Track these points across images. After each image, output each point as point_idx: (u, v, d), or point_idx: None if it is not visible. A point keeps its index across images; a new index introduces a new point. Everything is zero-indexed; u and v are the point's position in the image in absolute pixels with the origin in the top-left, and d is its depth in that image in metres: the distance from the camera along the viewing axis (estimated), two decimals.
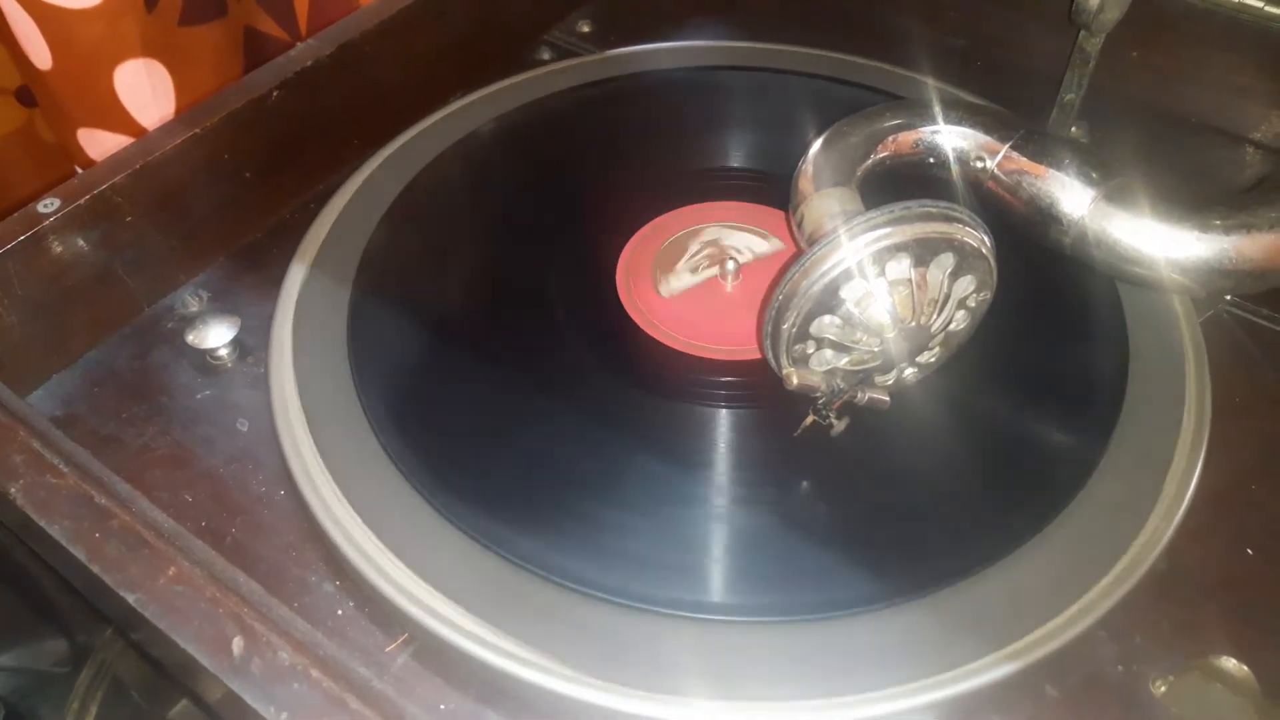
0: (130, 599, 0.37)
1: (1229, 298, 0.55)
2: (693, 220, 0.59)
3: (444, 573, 0.42)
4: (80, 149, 0.78)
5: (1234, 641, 0.41)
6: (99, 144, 0.77)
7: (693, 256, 0.56)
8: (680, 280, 0.55)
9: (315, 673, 0.36)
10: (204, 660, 0.35)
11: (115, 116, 0.76)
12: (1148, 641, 0.42)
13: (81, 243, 0.51)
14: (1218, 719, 0.40)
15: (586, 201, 0.60)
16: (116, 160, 0.52)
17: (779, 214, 0.59)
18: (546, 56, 0.74)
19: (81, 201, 0.50)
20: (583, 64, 0.70)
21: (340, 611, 0.43)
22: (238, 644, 0.36)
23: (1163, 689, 0.40)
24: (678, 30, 0.74)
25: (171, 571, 0.38)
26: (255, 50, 0.82)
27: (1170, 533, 0.43)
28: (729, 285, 0.55)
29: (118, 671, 0.66)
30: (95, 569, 0.38)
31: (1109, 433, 0.46)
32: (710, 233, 0.58)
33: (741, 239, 0.58)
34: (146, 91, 0.75)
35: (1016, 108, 0.55)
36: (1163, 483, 0.45)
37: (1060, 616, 0.40)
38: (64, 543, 0.39)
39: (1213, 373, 0.50)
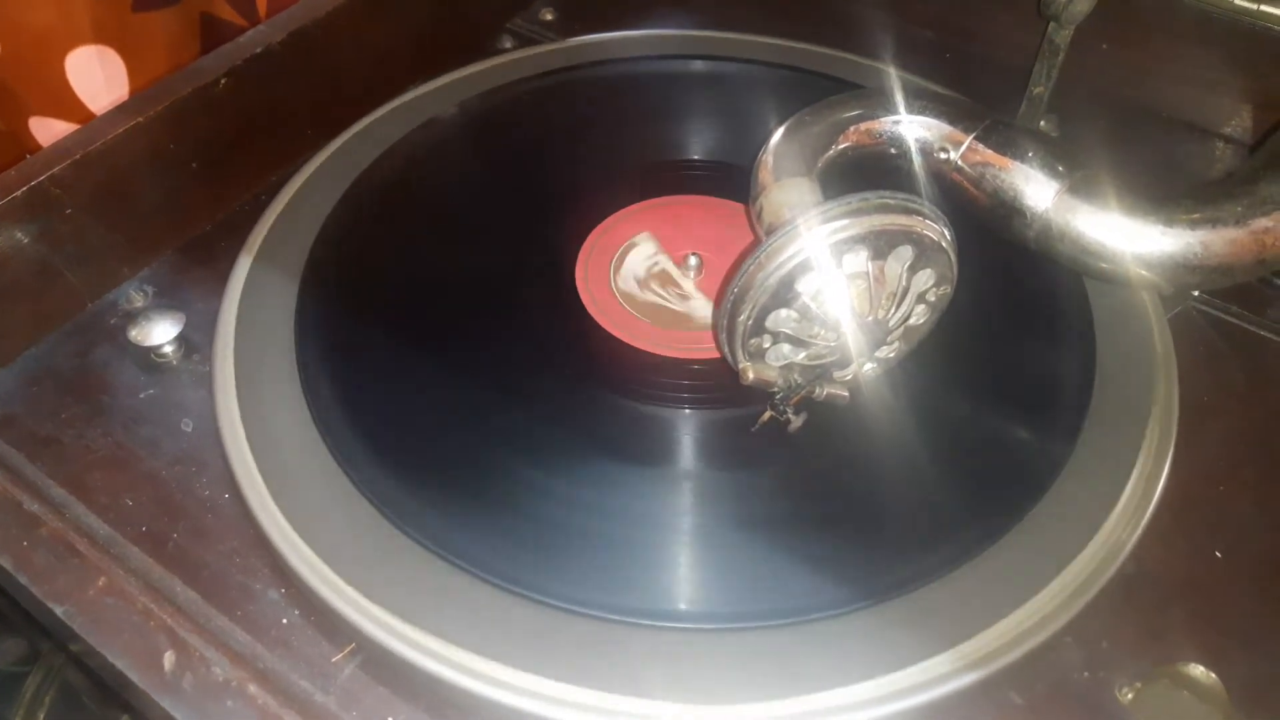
0: (58, 611, 0.36)
1: (1197, 294, 0.55)
2: (654, 214, 0.58)
3: (393, 580, 0.40)
4: (32, 137, 0.76)
5: (1202, 647, 0.41)
6: (51, 132, 0.76)
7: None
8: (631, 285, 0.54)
9: (252, 688, 0.34)
10: (133, 676, 0.34)
11: (67, 104, 0.74)
12: (1114, 647, 0.41)
13: (20, 236, 0.49)
14: None
15: (546, 193, 0.59)
16: (55, 150, 0.50)
17: (737, 206, 0.58)
18: (508, 44, 0.72)
19: (18, 194, 0.48)
20: (545, 52, 0.69)
21: (285, 620, 0.41)
22: (169, 658, 0.34)
23: (1130, 696, 0.39)
24: (642, 19, 0.73)
25: (102, 582, 0.36)
26: (212, 36, 0.80)
27: (1137, 535, 0.43)
28: (691, 280, 0.54)
29: (67, 676, 0.64)
30: (22, 579, 0.37)
31: (1075, 432, 0.45)
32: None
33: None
34: (99, 79, 0.74)
35: (985, 100, 0.54)
36: (1129, 484, 0.44)
37: (1025, 622, 0.39)
38: None
39: (1181, 371, 0.49)
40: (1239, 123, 0.65)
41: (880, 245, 0.40)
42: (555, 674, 0.38)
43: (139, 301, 0.53)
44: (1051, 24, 0.58)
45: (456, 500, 0.43)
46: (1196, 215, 0.44)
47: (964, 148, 0.48)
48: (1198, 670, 0.40)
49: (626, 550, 0.42)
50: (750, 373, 0.43)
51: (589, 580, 0.40)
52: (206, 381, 0.49)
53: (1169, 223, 0.44)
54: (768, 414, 0.44)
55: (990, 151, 0.47)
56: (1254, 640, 0.41)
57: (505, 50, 0.71)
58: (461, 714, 0.39)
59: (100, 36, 0.72)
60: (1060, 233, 0.46)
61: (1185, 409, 0.48)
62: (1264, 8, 0.61)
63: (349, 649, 0.40)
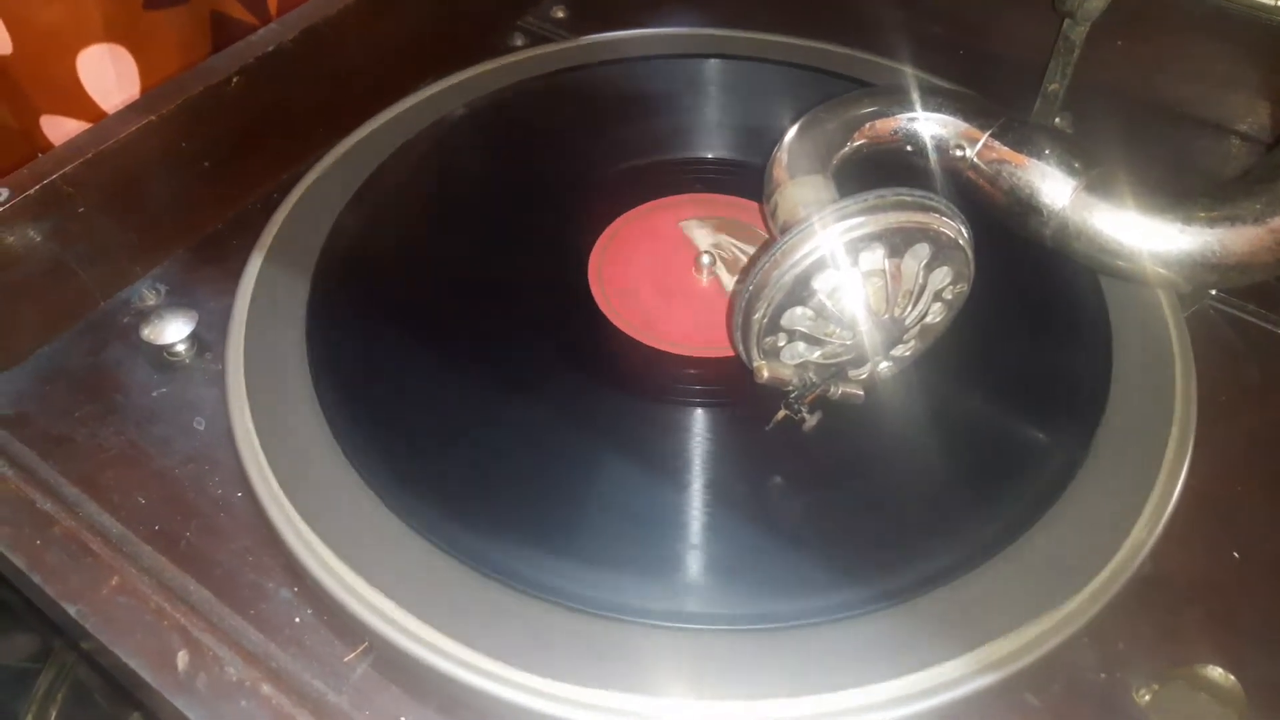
0: (71, 610, 0.36)
1: (1214, 292, 0.54)
2: (668, 213, 0.58)
3: (405, 579, 0.40)
4: (44, 136, 0.76)
5: (1219, 648, 0.40)
6: (63, 131, 0.76)
7: (734, 240, 0.55)
8: (699, 233, 0.54)
9: (266, 688, 0.34)
10: (146, 675, 0.34)
11: (79, 103, 0.74)
12: (1131, 649, 0.40)
13: (32, 234, 0.49)
14: None
15: (558, 192, 0.59)
16: (67, 149, 0.50)
17: (751, 204, 0.58)
18: (519, 42, 0.72)
19: (31, 192, 0.48)
20: (556, 50, 0.69)
21: (298, 619, 0.41)
22: (183, 658, 0.34)
23: (1146, 698, 0.39)
24: (653, 16, 0.73)
25: (115, 581, 0.36)
26: (223, 35, 0.80)
27: (1155, 536, 0.42)
28: (704, 279, 0.54)
29: (79, 673, 0.64)
30: (35, 579, 0.36)
31: (1092, 433, 0.45)
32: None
33: None
34: (110, 77, 0.74)
35: (999, 98, 0.54)
36: (1147, 484, 0.44)
37: (1042, 623, 0.39)
38: (2, 550, 0.37)
39: (1198, 370, 0.49)
40: (1255, 119, 0.64)
41: (897, 243, 0.40)
42: (568, 674, 0.37)
43: (151, 300, 0.53)
44: (1066, 20, 0.57)
45: (469, 499, 0.43)
46: (1215, 213, 0.44)
47: (980, 145, 0.48)
48: (1215, 672, 0.39)
49: (640, 550, 0.42)
50: (765, 371, 0.42)
51: (601, 580, 0.40)
52: (219, 380, 0.48)
53: (1187, 221, 0.44)
54: (782, 413, 0.44)
55: (1006, 149, 0.47)
56: (1272, 641, 0.41)
57: (516, 48, 0.71)
58: (473, 714, 0.38)
59: (112, 35, 0.71)
60: (1077, 231, 0.45)
61: (1203, 408, 0.47)
62: None
63: (361, 648, 0.40)
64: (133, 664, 0.34)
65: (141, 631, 0.35)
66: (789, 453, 0.45)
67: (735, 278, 0.53)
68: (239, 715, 0.33)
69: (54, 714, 0.63)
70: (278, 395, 0.47)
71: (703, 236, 0.55)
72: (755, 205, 0.57)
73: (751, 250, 0.55)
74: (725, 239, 0.55)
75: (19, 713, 0.63)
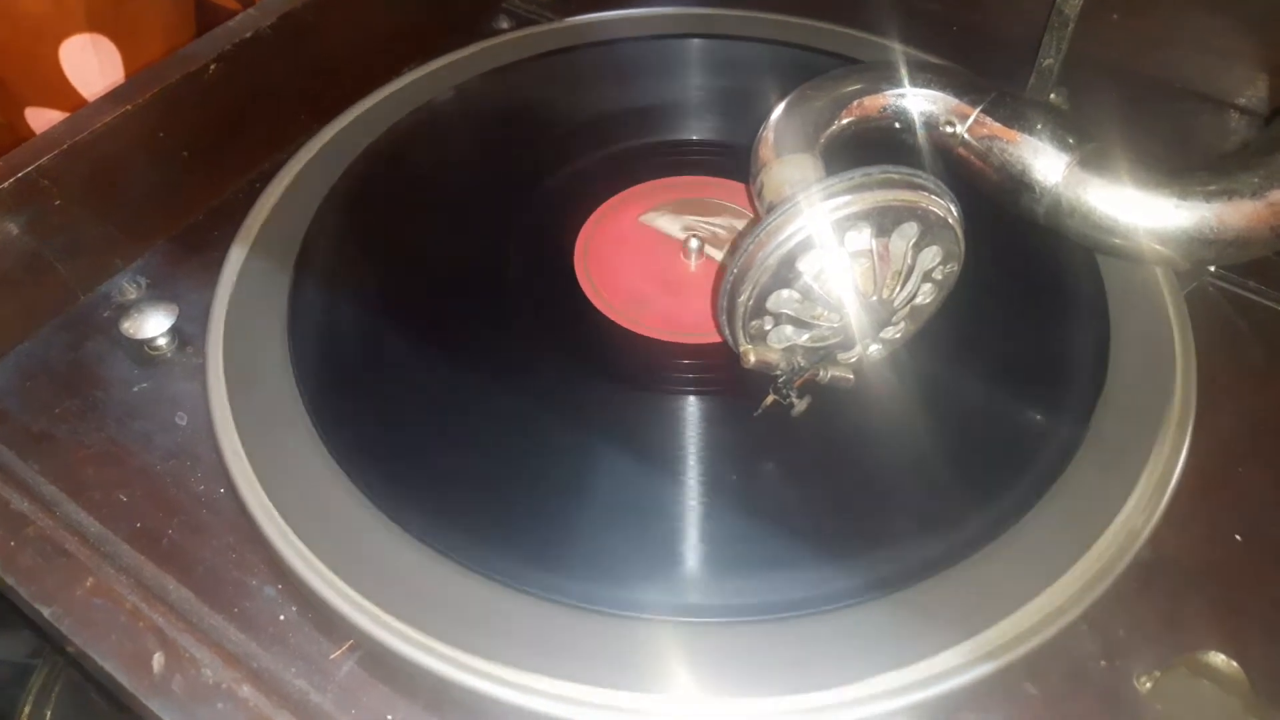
0: (45, 612, 0.35)
1: (1213, 269, 0.53)
2: (654, 196, 0.57)
3: (391, 575, 0.40)
4: (28, 128, 0.76)
5: (1221, 634, 0.40)
6: (47, 122, 0.75)
7: (702, 219, 0.54)
8: (664, 222, 0.53)
9: (245, 689, 0.34)
10: (121, 678, 0.33)
11: (62, 94, 0.73)
12: (1131, 636, 0.40)
13: (9, 227, 0.48)
14: (1205, 717, 0.38)
15: (543, 178, 0.58)
16: (43, 140, 0.49)
17: (739, 186, 0.57)
18: (505, 25, 0.71)
19: (5, 185, 0.47)
20: (543, 32, 0.68)
21: (282, 617, 0.40)
22: (158, 660, 0.34)
23: (1148, 685, 0.38)
24: None
25: (90, 582, 0.36)
26: (208, 23, 0.79)
27: (1154, 520, 0.41)
28: (692, 264, 0.53)
29: (71, 673, 0.64)
30: (9, 580, 0.36)
31: (1089, 415, 0.44)
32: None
33: None
34: (94, 67, 0.73)
35: (993, 74, 0.53)
36: (1146, 468, 0.43)
37: (1040, 611, 0.38)
38: None
39: (1198, 349, 0.48)
40: (1254, 92, 0.63)
41: (884, 222, 0.39)
42: (557, 669, 0.37)
43: (132, 293, 0.52)
44: None
45: (454, 493, 0.43)
46: (1212, 187, 0.43)
47: (971, 121, 0.47)
48: (1218, 658, 0.39)
49: (628, 543, 0.41)
50: (752, 356, 0.42)
51: (590, 574, 0.40)
52: (200, 374, 0.48)
53: (1183, 195, 0.43)
54: (771, 398, 0.43)
55: (998, 125, 0.46)
56: (1276, 626, 0.40)
57: (502, 31, 0.70)
58: (462, 711, 0.38)
59: (94, 24, 0.71)
60: (1071, 208, 0.44)
61: (1202, 388, 0.46)
62: None
63: (347, 646, 0.39)
64: (108, 666, 0.33)
65: (117, 633, 0.34)
66: (778, 439, 0.44)
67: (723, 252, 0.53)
68: (215, 717, 0.32)
69: (49, 712, 0.63)
70: (259, 389, 0.46)
71: (669, 224, 0.54)
72: (743, 187, 0.56)
73: (721, 223, 0.54)
74: (691, 219, 0.54)
75: (15, 708, 0.62)
